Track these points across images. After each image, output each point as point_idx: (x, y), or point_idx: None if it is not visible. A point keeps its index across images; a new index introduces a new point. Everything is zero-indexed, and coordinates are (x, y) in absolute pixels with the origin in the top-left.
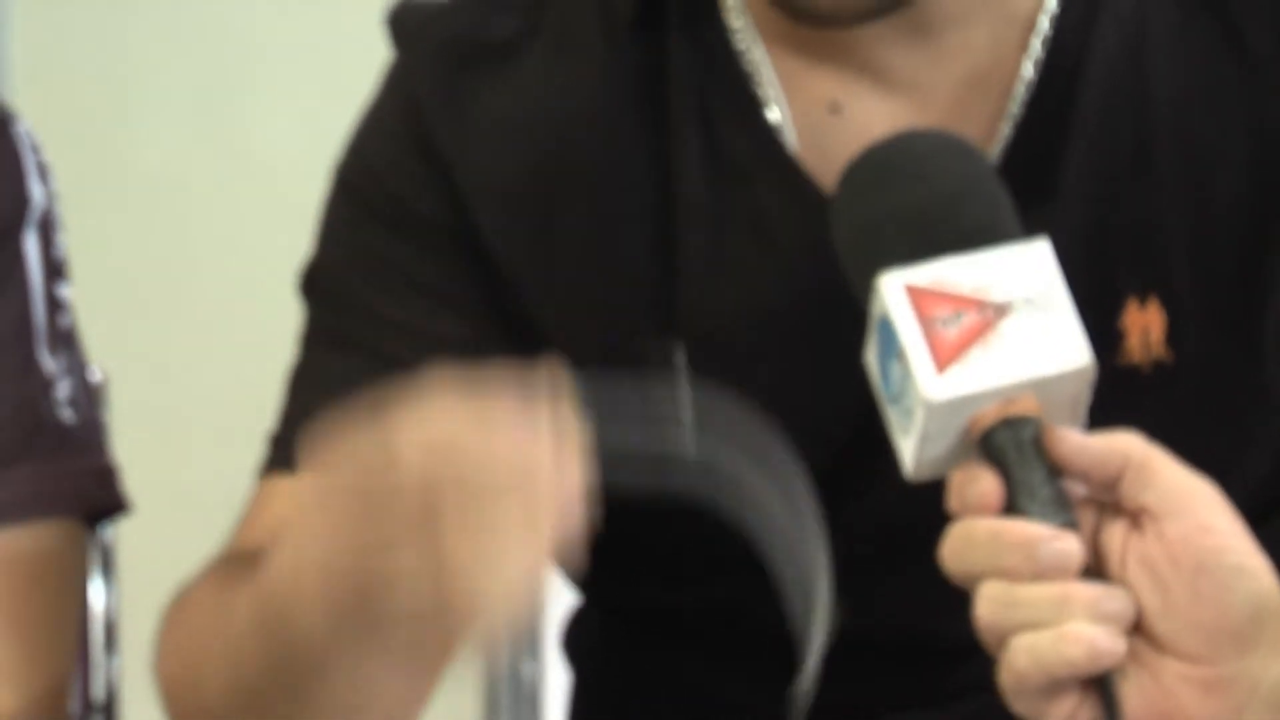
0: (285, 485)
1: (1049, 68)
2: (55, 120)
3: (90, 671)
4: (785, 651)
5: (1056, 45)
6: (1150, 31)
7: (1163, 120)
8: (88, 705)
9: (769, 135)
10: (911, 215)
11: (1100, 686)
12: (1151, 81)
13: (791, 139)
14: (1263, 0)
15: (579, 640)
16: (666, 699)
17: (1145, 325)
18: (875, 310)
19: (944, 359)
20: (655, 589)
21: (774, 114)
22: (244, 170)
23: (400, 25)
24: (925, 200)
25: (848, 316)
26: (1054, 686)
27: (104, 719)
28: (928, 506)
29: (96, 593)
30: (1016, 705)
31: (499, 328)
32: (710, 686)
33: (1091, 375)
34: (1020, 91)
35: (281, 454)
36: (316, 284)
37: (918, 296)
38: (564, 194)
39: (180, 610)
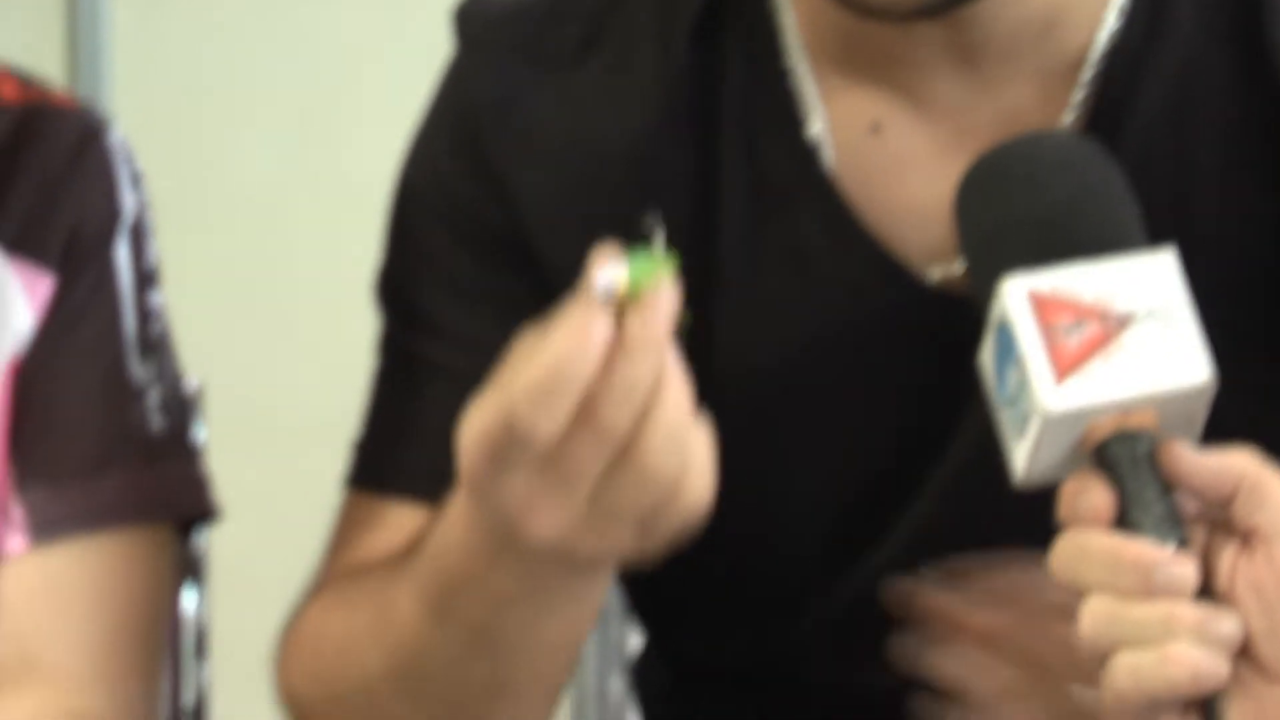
0: (394, 512)
1: (1091, 116)
2: (154, 126)
3: (181, 678)
4: (841, 709)
5: (1099, 94)
6: (1196, 95)
7: (1205, 183)
8: (178, 712)
9: (808, 154)
10: (1037, 220)
11: (1203, 709)
12: (1195, 144)
13: (830, 157)
14: None
15: (646, 682)
16: None
17: None
18: (995, 313)
19: (1064, 369)
20: (711, 642)
21: (814, 130)
22: (338, 177)
23: (466, 25)
24: (1052, 205)
25: (885, 351)
26: (1154, 706)
27: None
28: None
29: (188, 599)
30: None
31: None
32: None
33: (1211, 392)
34: None
35: (365, 465)
36: (387, 291)
37: (1040, 303)
38: (603, 218)
39: (302, 633)
